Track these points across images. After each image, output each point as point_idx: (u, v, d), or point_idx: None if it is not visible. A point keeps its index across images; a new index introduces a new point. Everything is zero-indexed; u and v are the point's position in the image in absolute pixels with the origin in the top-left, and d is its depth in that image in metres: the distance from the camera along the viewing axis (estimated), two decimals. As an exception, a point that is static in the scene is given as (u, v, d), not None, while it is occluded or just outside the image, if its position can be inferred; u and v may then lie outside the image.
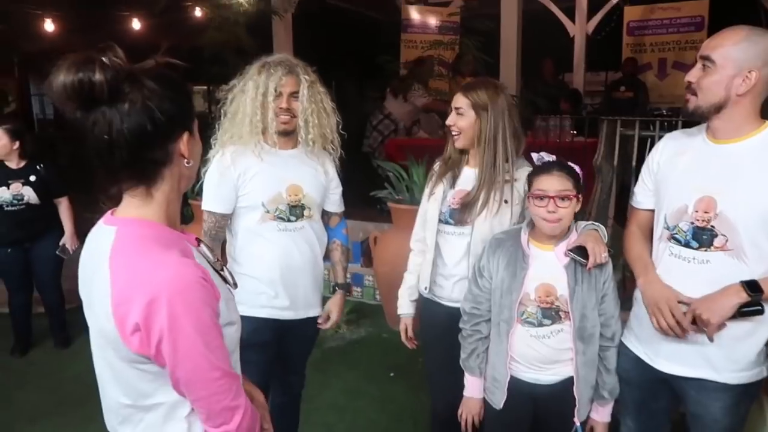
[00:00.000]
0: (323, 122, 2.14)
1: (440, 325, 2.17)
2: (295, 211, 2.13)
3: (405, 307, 2.32)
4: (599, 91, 8.27)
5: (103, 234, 1.07)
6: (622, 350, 1.88)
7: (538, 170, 1.86)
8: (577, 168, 1.85)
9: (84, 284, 1.11)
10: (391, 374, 3.53)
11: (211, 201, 2.09)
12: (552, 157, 1.88)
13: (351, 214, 5.44)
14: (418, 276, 2.26)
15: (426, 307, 2.26)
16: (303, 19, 6.30)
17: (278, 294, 2.14)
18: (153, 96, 1.01)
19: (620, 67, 7.32)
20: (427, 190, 2.20)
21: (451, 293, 2.14)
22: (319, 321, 2.31)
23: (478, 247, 2.03)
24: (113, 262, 1.02)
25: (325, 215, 2.31)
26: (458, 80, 5.58)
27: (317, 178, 2.19)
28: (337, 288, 2.38)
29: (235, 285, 1.20)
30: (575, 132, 5.42)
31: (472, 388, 2.01)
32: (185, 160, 1.09)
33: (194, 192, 4.90)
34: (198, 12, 4.86)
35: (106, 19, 4.47)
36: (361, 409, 3.16)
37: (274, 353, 2.21)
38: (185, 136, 1.08)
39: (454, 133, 2.09)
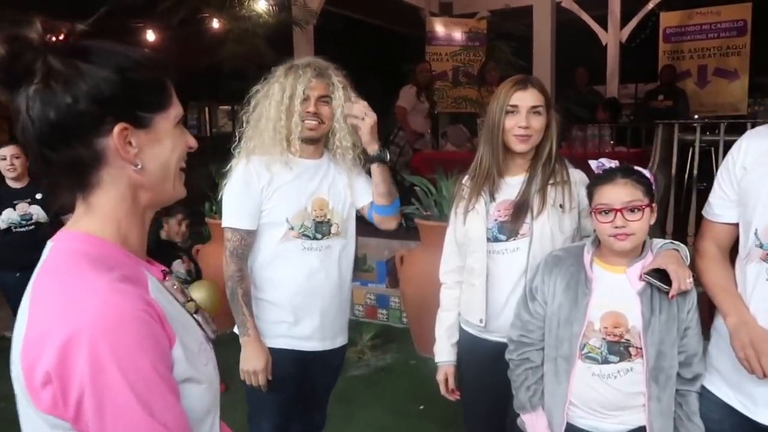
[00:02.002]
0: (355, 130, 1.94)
1: (484, 360, 1.86)
2: (322, 228, 1.91)
3: (445, 353, 1.96)
4: (628, 104, 7.92)
5: (43, 253, 0.83)
6: (706, 395, 1.55)
7: (599, 180, 1.57)
8: (646, 172, 1.56)
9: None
10: (421, 407, 3.22)
11: (235, 216, 1.87)
12: (614, 163, 1.58)
13: (374, 232, 5.22)
14: (460, 311, 1.93)
15: (467, 341, 1.93)
16: (325, 32, 6.14)
17: (300, 322, 1.90)
18: (60, 75, 0.77)
19: (658, 76, 6.97)
20: (458, 210, 1.88)
21: (503, 326, 1.79)
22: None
23: (539, 260, 1.72)
24: (36, 286, 0.79)
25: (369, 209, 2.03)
26: (484, 89, 5.34)
27: (344, 191, 1.97)
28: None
29: (214, 333, 0.93)
30: (613, 142, 5.10)
31: (535, 428, 1.65)
32: (132, 164, 0.82)
33: (212, 210, 4.75)
34: (216, 23, 4.70)
35: (121, 29, 4.32)
36: (389, 448, 2.86)
37: (296, 389, 1.96)
38: (117, 129, 0.80)
39: (522, 136, 1.74)
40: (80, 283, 0.75)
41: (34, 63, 0.76)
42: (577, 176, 1.79)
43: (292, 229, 1.87)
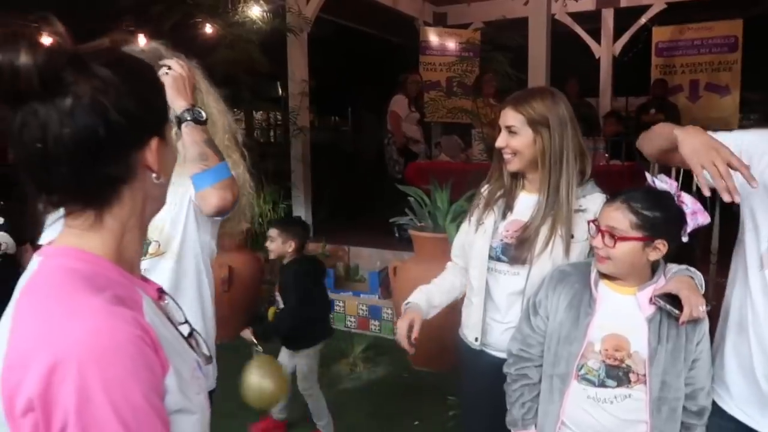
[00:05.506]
0: None
1: (485, 378, 1.80)
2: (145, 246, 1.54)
3: (418, 296, 1.84)
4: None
5: (28, 269, 0.76)
6: (716, 418, 1.50)
7: (610, 196, 1.55)
8: (686, 204, 1.43)
9: None
10: (416, 423, 3.14)
11: None
12: (667, 185, 1.47)
13: (368, 242, 5.18)
14: (462, 322, 1.91)
15: (468, 357, 1.89)
16: (320, 41, 6.09)
17: None
18: (108, 88, 0.72)
19: (649, 89, 6.99)
20: (472, 218, 1.84)
21: (499, 340, 1.78)
22: None
23: (537, 286, 1.68)
24: (20, 304, 0.72)
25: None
26: (480, 101, 5.32)
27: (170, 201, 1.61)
28: None
29: (210, 359, 0.87)
30: (608, 155, 5.08)
31: None
32: (154, 176, 0.80)
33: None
34: (209, 29, 4.63)
35: (112, 33, 4.22)
36: (382, 465, 2.78)
37: None
38: (155, 144, 0.78)
39: (506, 155, 1.74)
40: (70, 303, 0.69)
41: (66, 72, 0.70)
42: (599, 202, 1.67)
43: None
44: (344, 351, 3.89)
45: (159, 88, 0.82)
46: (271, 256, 3.04)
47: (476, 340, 1.82)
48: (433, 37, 7.45)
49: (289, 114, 5.55)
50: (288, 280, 2.89)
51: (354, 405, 3.36)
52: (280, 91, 7.31)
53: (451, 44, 7.37)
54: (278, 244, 2.96)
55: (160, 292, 0.85)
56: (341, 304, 4.59)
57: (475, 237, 1.82)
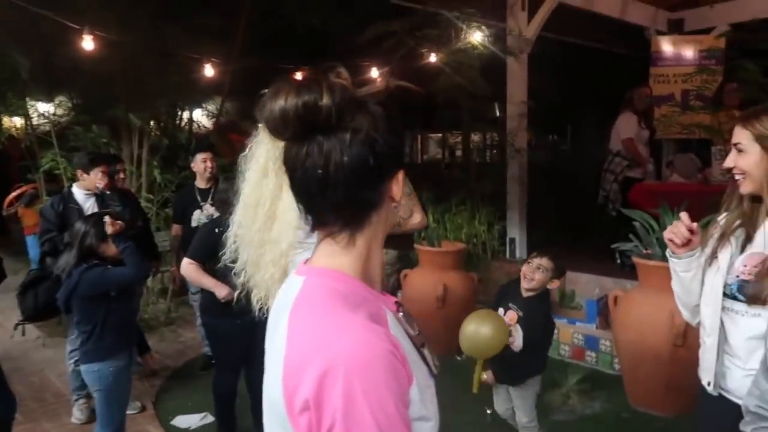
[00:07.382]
0: None
1: (722, 419, 1.64)
2: None
3: None
4: None
5: (291, 285, 0.91)
6: None
7: None
8: None
9: (267, 343, 0.94)
10: (635, 468, 2.91)
11: None
12: None
13: (586, 268, 4.94)
14: (700, 362, 1.75)
15: (704, 401, 1.74)
16: (539, 58, 6.00)
17: None
18: (378, 124, 0.86)
19: None
20: (706, 251, 1.69)
21: (740, 386, 1.59)
22: None
23: None
24: (292, 317, 0.85)
25: None
26: (722, 114, 4.73)
27: None
28: None
29: (437, 368, 0.94)
30: None
31: None
32: (395, 203, 0.93)
33: (420, 235, 4.89)
34: (433, 57, 4.88)
35: (350, 69, 4.71)
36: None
37: None
38: (401, 174, 0.92)
39: (737, 176, 1.61)
40: (336, 318, 0.81)
41: (348, 111, 0.83)
42: None
43: None
44: (557, 380, 3.75)
45: (403, 129, 0.94)
46: (531, 285, 2.75)
47: (708, 384, 1.68)
48: (666, 46, 6.86)
49: (507, 135, 5.57)
50: (540, 313, 2.75)
51: (567, 438, 3.23)
52: (498, 112, 7.36)
53: (689, 52, 6.71)
54: (546, 277, 2.74)
55: (397, 305, 0.95)
56: (555, 330, 4.44)
57: (708, 272, 1.67)
